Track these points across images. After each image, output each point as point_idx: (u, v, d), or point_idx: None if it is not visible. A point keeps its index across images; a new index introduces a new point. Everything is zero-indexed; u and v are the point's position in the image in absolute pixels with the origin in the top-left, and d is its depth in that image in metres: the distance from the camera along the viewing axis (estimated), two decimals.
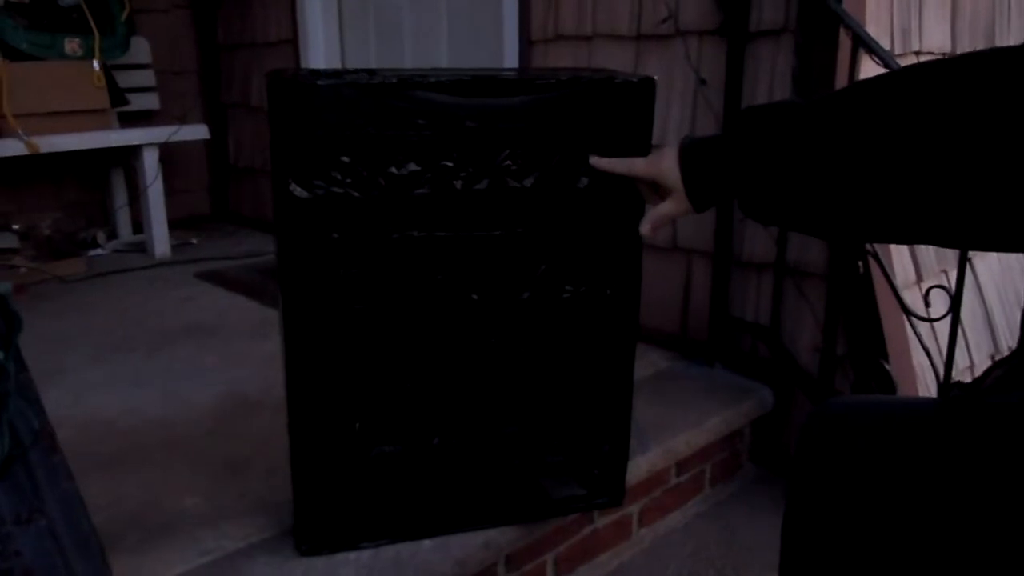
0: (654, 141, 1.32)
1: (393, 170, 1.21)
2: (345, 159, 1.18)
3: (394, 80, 1.18)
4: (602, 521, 1.69)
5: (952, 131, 0.69)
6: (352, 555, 1.34)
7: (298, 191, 1.18)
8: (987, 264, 2.34)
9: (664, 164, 1.10)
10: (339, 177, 1.19)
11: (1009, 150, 0.66)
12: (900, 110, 0.74)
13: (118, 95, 3.29)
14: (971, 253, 2.06)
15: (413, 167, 1.21)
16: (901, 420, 0.91)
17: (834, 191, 0.82)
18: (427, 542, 1.38)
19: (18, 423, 0.56)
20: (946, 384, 1.68)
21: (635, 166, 1.20)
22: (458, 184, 1.24)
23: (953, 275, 1.75)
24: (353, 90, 1.16)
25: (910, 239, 0.84)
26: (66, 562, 0.54)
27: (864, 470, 0.90)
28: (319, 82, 1.15)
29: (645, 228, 1.20)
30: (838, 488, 0.93)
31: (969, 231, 0.73)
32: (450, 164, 1.23)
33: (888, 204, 0.77)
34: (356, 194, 1.20)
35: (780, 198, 0.91)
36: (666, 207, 1.13)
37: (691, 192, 1.07)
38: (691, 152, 1.06)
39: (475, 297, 1.30)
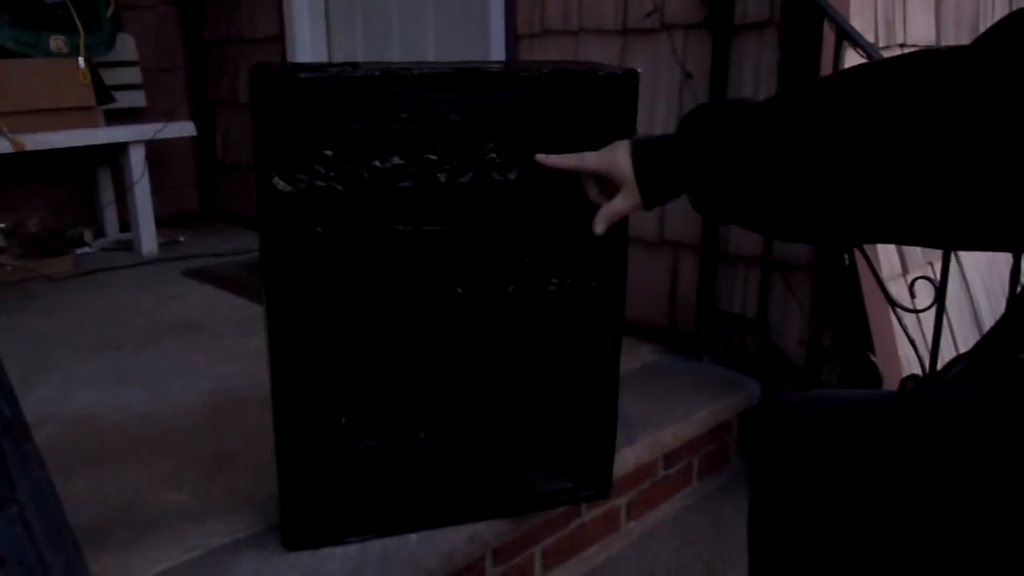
0: (640, 134, 1.32)
1: (377, 163, 1.21)
2: (328, 152, 1.18)
3: (377, 73, 1.17)
4: (590, 514, 1.69)
5: (900, 133, 0.70)
6: (339, 549, 1.34)
7: (281, 185, 1.17)
8: (973, 256, 2.36)
9: (617, 158, 1.10)
10: (322, 171, 1.18)
11: (945, 151, 0.67)
12: (846, 111, 0.75)
13: (104, 92, 3.28)
14: None
15: (397, 160, 1.21)
16: (857, 414, 0.92)
17: (780, 189, 0.83)
18: (414, 536, 1.38)
19: None
20: (929, 375, 1.69)
21: (586, 160, 1.17)
22: (442, 177, 1.24)
23: (939, 267, 1.76)
24: (336, 83, 1.16)
25: (854, 239, 0.86)
26: (37, 550, 0.54)
27: (820, 465, 0.91)
28: (301, 75, 1.15)
29: (599, 227, 1.18)
30: (795, 483, 0.94)
31: (917, 230, 0.74)
32: (434, 157, 1.23)
33: (832, 204, 0.78)
34: (340, 188, 1.20)
35: (730, 196, 0.91)
36: (618, 203, 1.13)
37: (643, 186, 1.07)
38: (643, 148, 1.07)
39: (460, 290, 1.30)
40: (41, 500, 0.57)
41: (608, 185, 1.16)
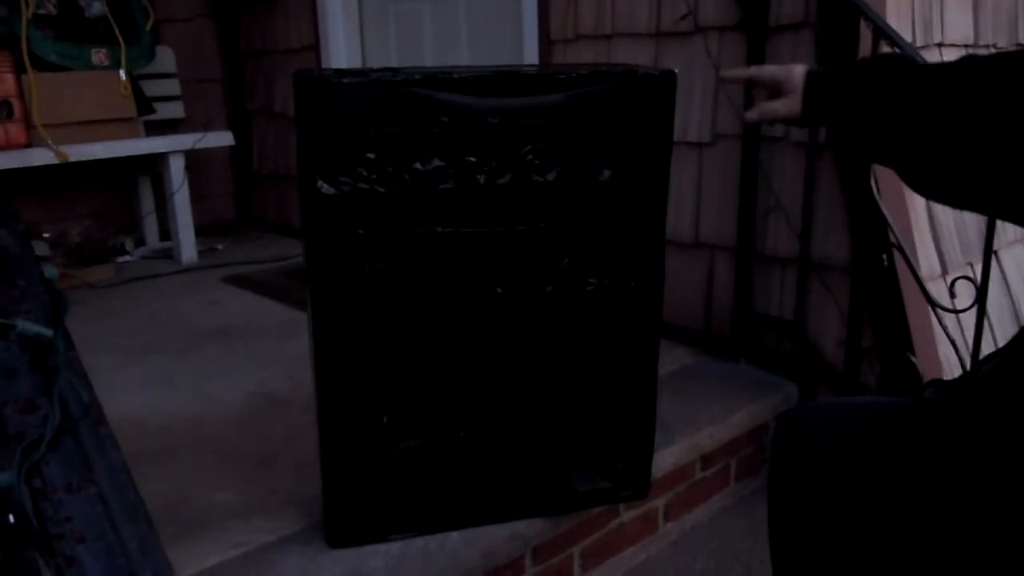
0: (675, 137, 1.32)
1: (417, 166, 1.23)
2: (370, 156, 1.20)
3: (417, 78, 1.20)
4: (628, 515, 1.70)
5: None
6: (381, 547, 1.36)
7: (325, 188, 1.20)
8: (1013, 256, 2.33)
9: (794, 69, 1.14)
10: (365, 173, 1.21)
11: None
12: (1000, 90, 0.81)
13: (144, 104, 3.34)
14: (997, 245, 2.05)
15: (437, 163, 1.23)
16: (871, 424, 0.92)
17: (930, 147, 0.90)
18: (455, 534, 1.40)
19: (68, 397, 0.59)
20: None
21: (765, 69, 1.21)
22: (481, 179, 1.26)
23: (978, 267, 1.74)
24: (378, 88, 1.18)
25: (982, 209, 0.92)
26: (114, 527, 0.56)
27: (833, 478, 0.91)
28: (344, 81, 1.17)
29: (752, 115, 1.22)
30: (810, 491, 0.94)
31: None
32: (473, 159, 1.25)
33: (964, 171, 0.85)
34: (381, 190, 1.22)
35: (877, 136, 1.00)
36: (779, 104, 1.17)
37: (808, 100, 1.12)
38: (817, 72, 1.13)
39: (499, 291, 1.31)
40: (117, 479, 0.59)
41: (779, 95, 1.19)
